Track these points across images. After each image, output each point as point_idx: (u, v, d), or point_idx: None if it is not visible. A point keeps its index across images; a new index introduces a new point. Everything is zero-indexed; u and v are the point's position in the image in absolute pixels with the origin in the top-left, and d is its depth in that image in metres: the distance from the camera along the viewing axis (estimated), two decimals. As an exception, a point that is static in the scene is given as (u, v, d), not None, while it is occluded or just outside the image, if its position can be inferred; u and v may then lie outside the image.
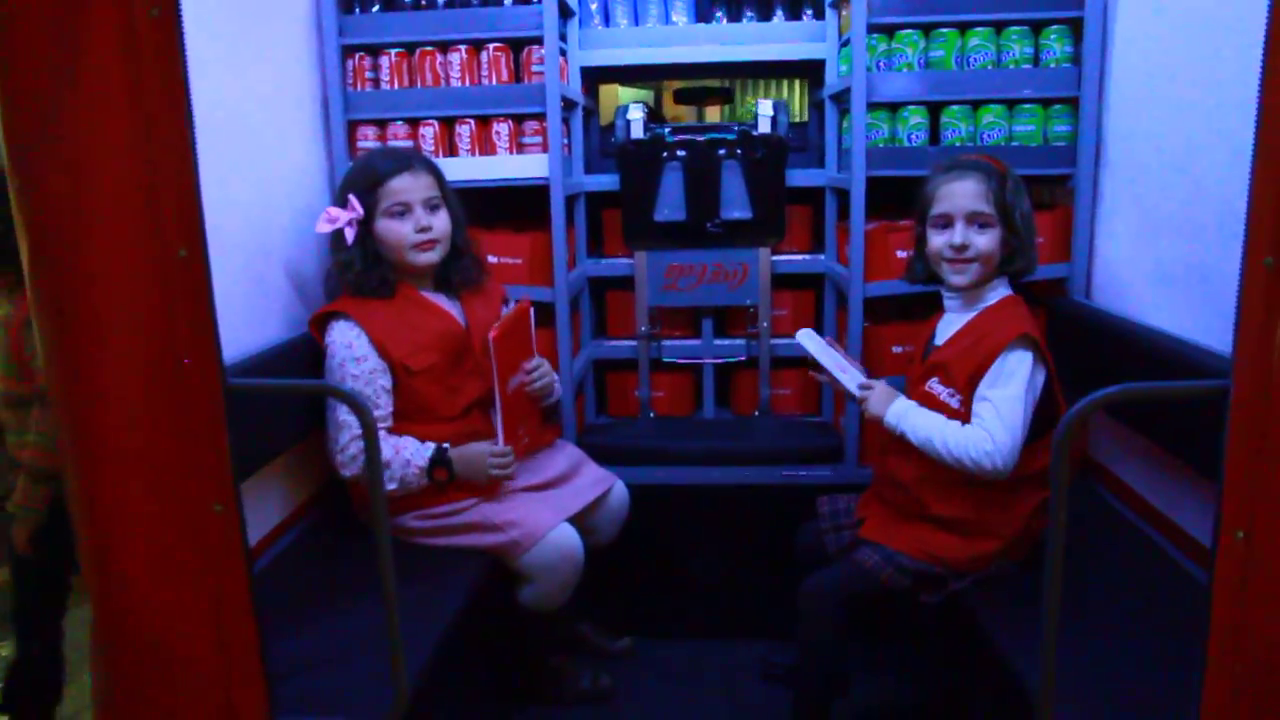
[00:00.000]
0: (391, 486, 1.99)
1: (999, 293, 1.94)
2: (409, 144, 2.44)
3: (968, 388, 1.86)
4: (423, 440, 2.05)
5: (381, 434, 2.00)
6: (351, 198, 2.06)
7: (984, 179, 1.87)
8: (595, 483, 2.28)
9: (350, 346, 2.02)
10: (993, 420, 1.79)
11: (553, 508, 2.12)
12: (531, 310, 2.18)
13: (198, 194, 1.20)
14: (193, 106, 1.18)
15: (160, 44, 1.14)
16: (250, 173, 2.05)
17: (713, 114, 3.40)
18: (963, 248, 1.88)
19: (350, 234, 2.05)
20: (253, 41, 2.08)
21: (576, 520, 2.16)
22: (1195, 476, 1.89)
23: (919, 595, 1.93)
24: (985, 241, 1.87)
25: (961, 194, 1.88)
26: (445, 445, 2.05)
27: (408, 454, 2.01)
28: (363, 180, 2.08)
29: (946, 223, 1.90)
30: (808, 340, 2.10)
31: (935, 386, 1.94)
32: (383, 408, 2.04)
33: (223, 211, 1.91)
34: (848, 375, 2.06)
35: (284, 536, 2.14)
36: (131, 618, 1.33)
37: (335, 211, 2.06)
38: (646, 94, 4.74)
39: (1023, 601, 1.79)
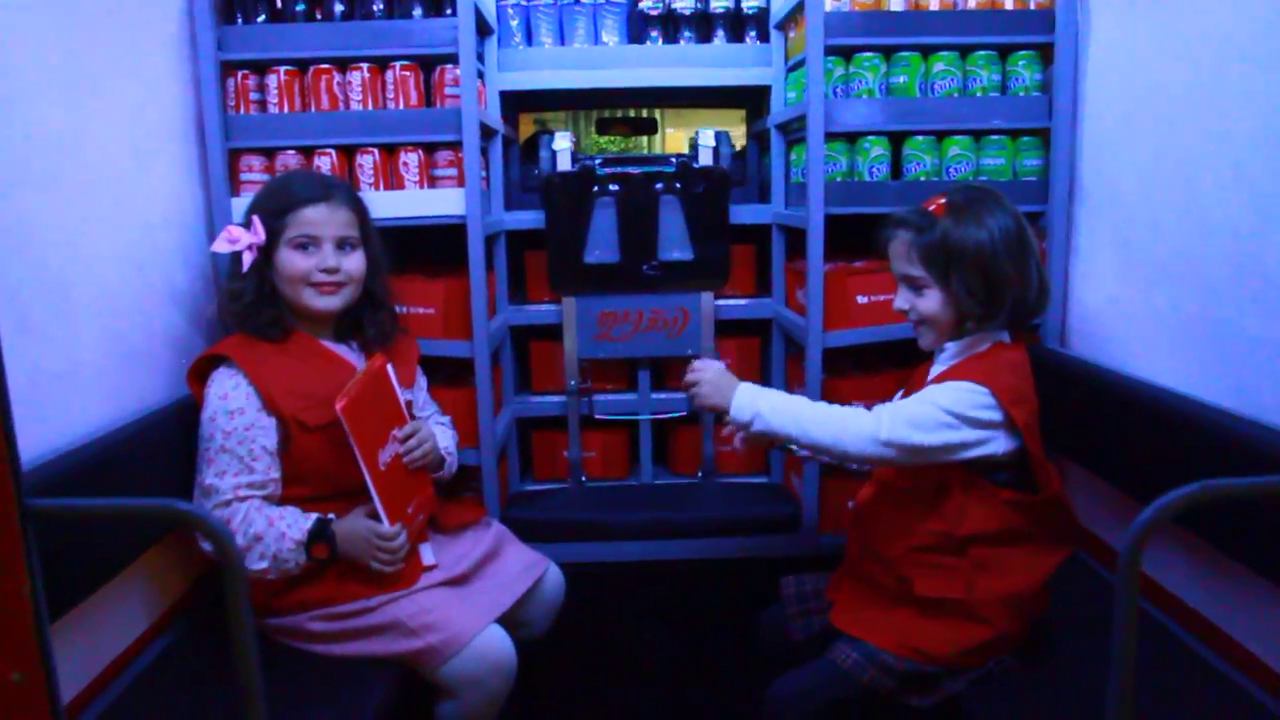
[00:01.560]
0: (261, 565, 1.64)
1: (992, 340, 1.69)
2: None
3: None
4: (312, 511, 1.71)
5: (258, 504, 1.66)
6: (255, 219, 1.73)
7: (910, 236, 1.63)
8: (525, 570, 1.96)
9: (225, 398, 1.67)
10: (900, 413, 1.56)
11: (478, 606, 1.79)
12: (389, 367, 1.84)
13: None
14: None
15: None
16: (106, 219, 1.70)
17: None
18: (904, 313, 1.67)
19: (247, 260, 1.72)
20: (106, 58, 1.73)
21: (505, 614, 1.84)
22: (1248, 575, 1.62)
23: (908, 699, 1.66)
24: (925, 305, 1.64)
25: (893, 255, 1.66)
26: (331, 516, 1.71)
27: (284, 525, 1.66)
28: (272, 202, 1.76)
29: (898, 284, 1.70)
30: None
31: None
32: (259, 472, 1.69)
33: (70, 268, 1.57)
34: None
35: (152, 645, 1.77)
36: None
37: (236, 231, 1.73)
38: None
39: (1032, 704, 1.53)
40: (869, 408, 1.61)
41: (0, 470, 0.89)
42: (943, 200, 1.64)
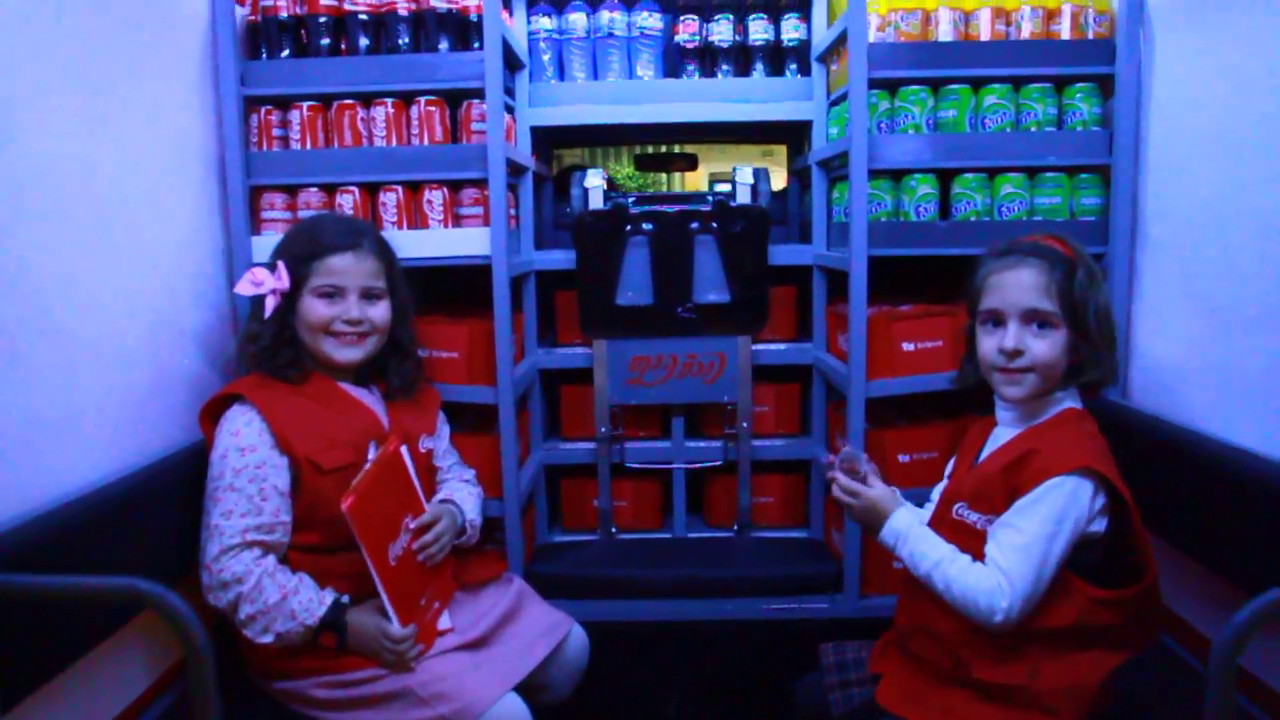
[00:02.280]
0: (265, 639, 1.56)
1: (1063, 404, 1.56)
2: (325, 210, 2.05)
3: (1008, 503, 1.48)
4: (323, 581, 1.62)
5: (270, 568, 1.58)
6: (281, 265, 1.67)
7: (1047, 268, 1.50)
8: (547, 632, 1.85)
9: (237, 434, 1.60)
10: (1011, 557, 1.41)
11: (495, 673, 1.68)
12: (404, 451, 1.75)
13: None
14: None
15: None
16: (116, 257, 1.64)
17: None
18: (1015, 354, 1.50)
19: (270, 305, 1.67)
20: (125, 91, 1.68)
21: (524, 679, 1.72)
22: None
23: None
24: (1044, 347, 1.49)
25: (1016, 286, 1.51)
26: (345, 600, 1.62)
27: (296, 603, 1.58)
28: (299, 248, 1.72)
29: (998, 321, 1.53)
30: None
31: (965, 512, 1.55)
32: (267, 514, 1.61)
33: (70, 309, 1.50)
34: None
35: (148, 710, 1.67)
36: None
37: (261, 274, 1.69)
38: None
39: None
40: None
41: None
42: (1054, 241, 1.55)
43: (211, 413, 1.69)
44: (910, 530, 1.54)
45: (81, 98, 1.54)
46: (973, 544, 1.51)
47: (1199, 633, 1.80)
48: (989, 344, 1.53)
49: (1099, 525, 1.46)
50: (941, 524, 1.59)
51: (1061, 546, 1.41)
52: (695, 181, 4.98)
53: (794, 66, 2.38)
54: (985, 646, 1.50)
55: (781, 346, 2.43)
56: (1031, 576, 1.40)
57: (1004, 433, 1.58)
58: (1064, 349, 1.49)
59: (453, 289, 2.30)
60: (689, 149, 3.46)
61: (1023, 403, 1.54)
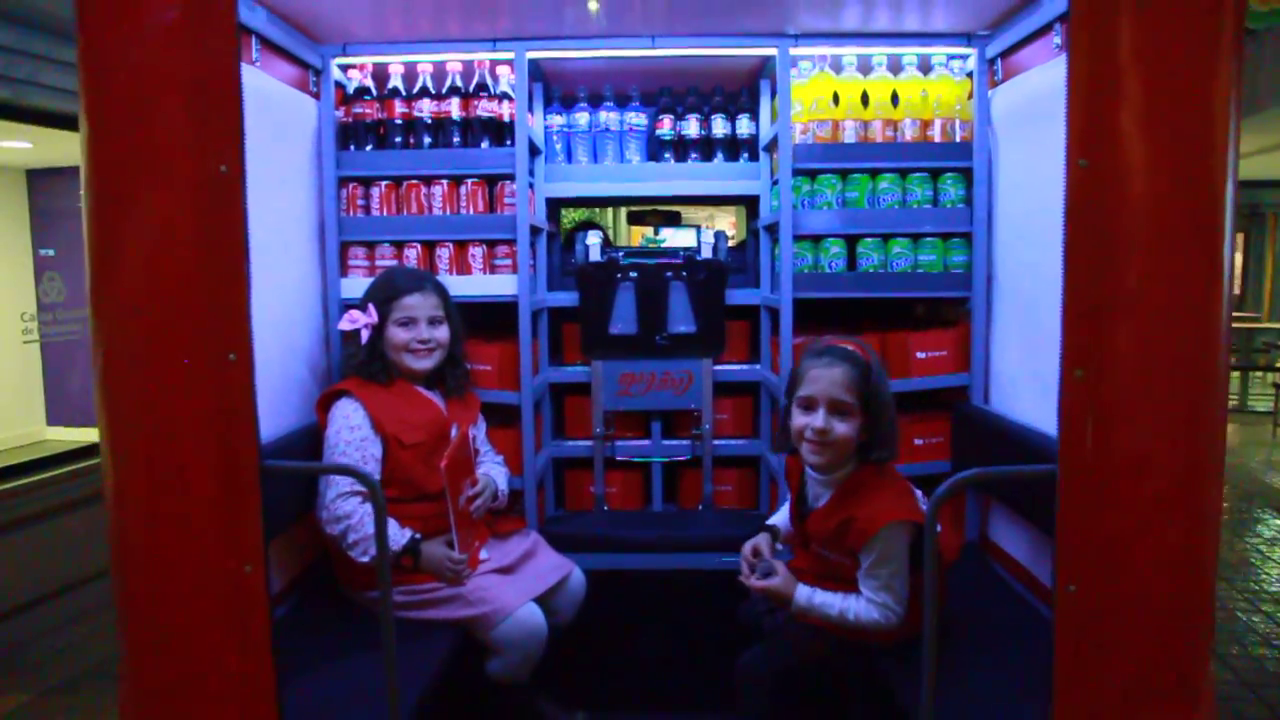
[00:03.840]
0: (364, 559, 2.24)
1: (855, 465, 2.11)
2: (396, 263, 2.77)
3: (853, 554, 2.08)
4: (402, 522, 2.31)
5: (367, 508, 2.25)
6: (371, 306, 2.38)
7: (851, 369, 2.04)
8: (555, 568, 2.55)
9: (347, 418, 2.31)
10: (884, 594, 2.02)
11: (519, 589, 2.38)
12: (469, 433, 2.50)
13: (247, 309, 1.50)
14: (249, 244, 1.48)
15: (228, 194, 1.46)
16: (267, 294, 2.31)
17: (669, 233, 3.77)
18: (824, 432, 2.04)
19: (365, 335, 2.37)
20: (266, 170, 2.40)
21: (539, 602, 2.42)
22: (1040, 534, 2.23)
23: (838, 666, 2.20)
24: (844, 429, 2.03)
25: (829, 381, 2.04)
26: (418, 536, 2.32)
27: (389, 540, 2.27)
28: (382, 293, 2.43)
29: (810, 405, 2.06)
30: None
31: (826, 554, 2.17)
32: (370, 470, 2.30)
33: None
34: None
35: (277, 609, 2.36)
36: (163, 663, 1.57)
37: (355, 314, 2.40)
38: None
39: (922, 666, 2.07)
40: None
41: (249, 446, 1.52)
42: (852, 346, 2.10)
43: (324, 404, 2.41)
44: (812, 596, 2.12)
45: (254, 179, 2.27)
46: (840, 569, 2.14)
47: (1015, 560, 2.53)
48: (801, 421, 2.08)
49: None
50: (811, 556, 2.22)
51: (905, 564, 2.04)
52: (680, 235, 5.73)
53: (746, 154, 3.10)
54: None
55: (737, 367, 3.12)
56: (902, 594, 2.03)
57: (816, 483, 2.17)
58: (856, 430, 2.05)
59: (488, 319, 2.94)
60: (672, 208, 4.19)
61: (827, 469, 2.12)
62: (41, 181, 5.52)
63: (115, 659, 3.22)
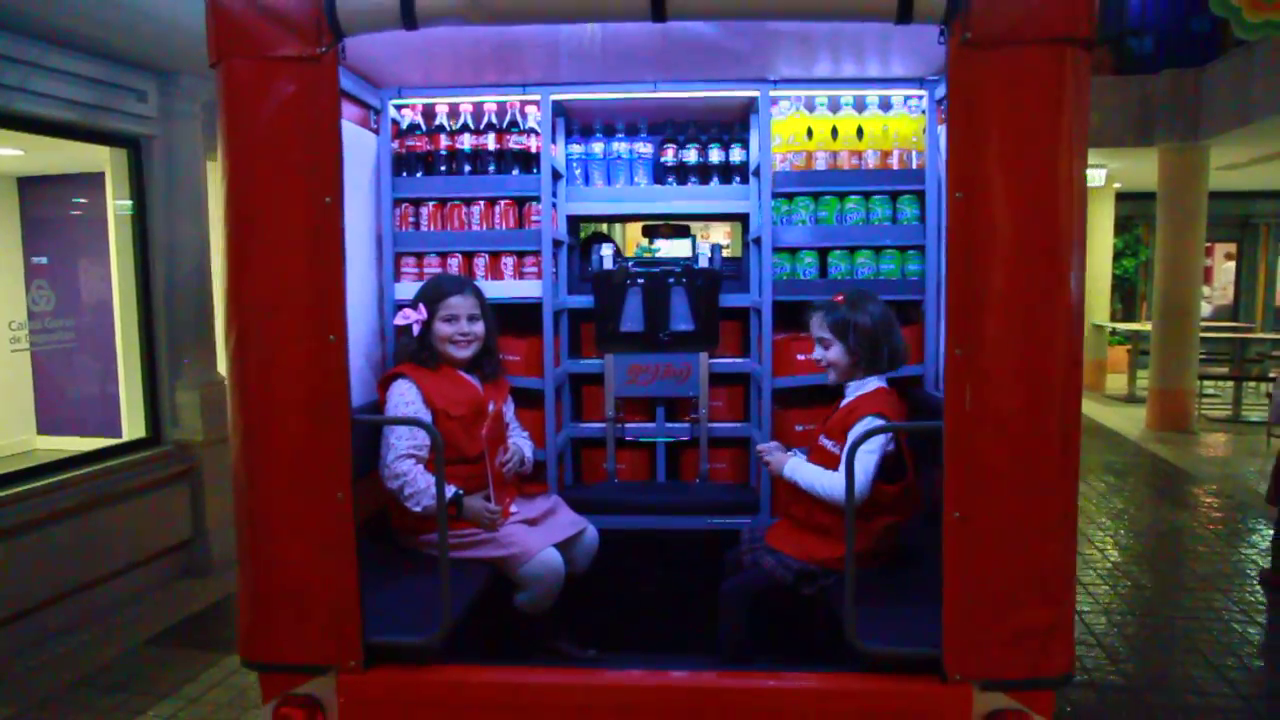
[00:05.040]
0: (416, 509, 2.77)
1: (871, 384, 2.79)
2: (441, 270, 3.32)
3: (843, 442, 2.66)
4: (449, 480, 2.85)
5: (420, 469, 2.79)
6: (421, 305, 2.93)
7: (825, 314, 2.79)
8: (573, 523, 3.08)
9: (403, 394, 2.85)
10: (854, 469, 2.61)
11: (542, 536, 2.91)
12: (501, 410, 3.04)
13: (344, 303, 2.04)
14: (346, 256, 2.02)
15: (331, 222, 2.00)
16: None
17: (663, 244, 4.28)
18: (819, 359, 2.81)
19: (416, 328, 2.91)
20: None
21: (559, 545, 2.94)
22: None
23: (800, 589, 2.71)
24: (830, 355, 2.79)
25: (815, 324, 2.82)
26: (461, 491, 2.85)
27: (434, 490, 2.81)
28: (431, 294, 2.97)
29: (819, 342, 2.84)
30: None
31: (825, 441, 2.79)
32: (417, 440, 2.80)
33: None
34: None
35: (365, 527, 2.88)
36: (274, 565, 2.11)
37: (409, 311, 2.94)
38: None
39: (867, 592, 2.57)
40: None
41: (343, 406, 2.06)
42: (841, 296, 2.78)
43: (384, 383, 2.94)
44: (797, 467, 2.75)
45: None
46: (826, 460, 2.73)
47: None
48: (815, 354, 2.80)
49: (890, 448, 2.68)
50: (817, 451, 2.80)
51: (876, 459, 2.61)
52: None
53: (738, 178, 3.61)
54: (826, 510, 2.71)
55: (730, 360, 3.62)
56: (864, 474, 2.57)
57: (846, 403, 2.80)
58: (841, 354, 2.73)
59: (518, 318, 3.45)
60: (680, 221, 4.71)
61: (840, 381, 2.79)
62: (33, 189, 5.53)
63: (101, 673, 3.81)
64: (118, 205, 5.19)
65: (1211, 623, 4.63)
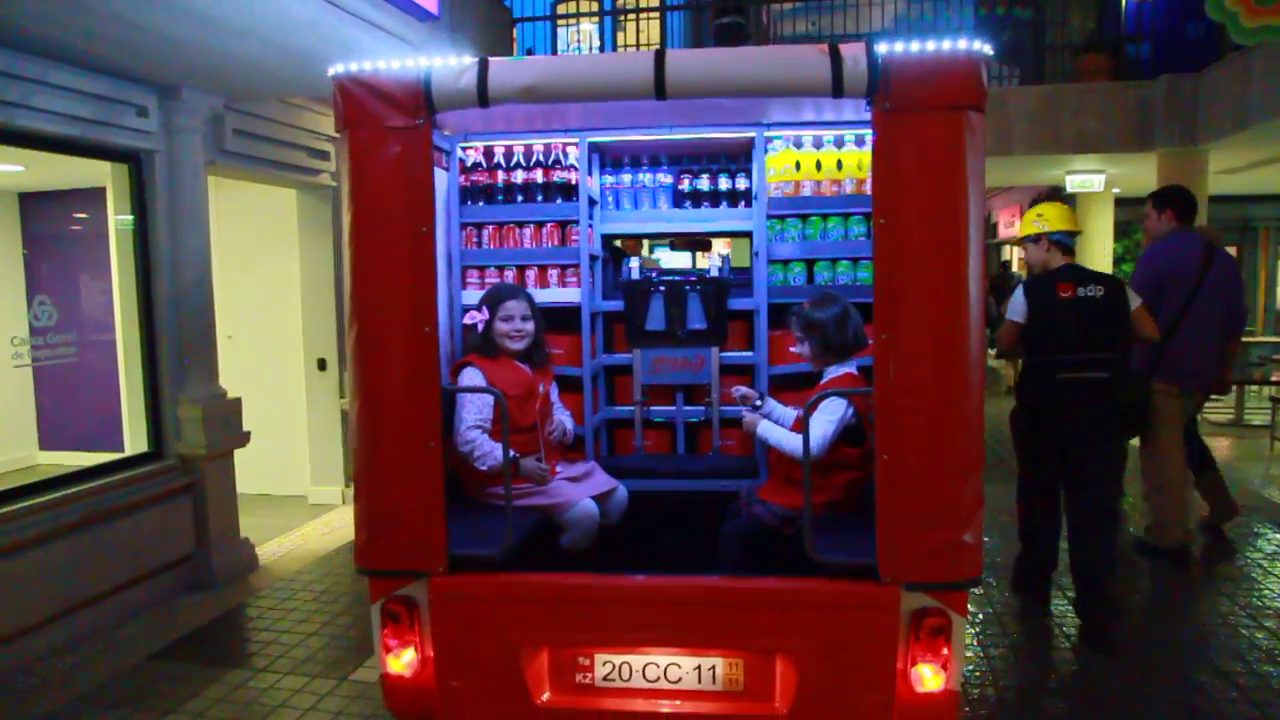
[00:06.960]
0: (484, 467, 3.52)
1: (841, 370, 3.50)
2: (499, 280, 4.09)
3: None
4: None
5: (485, 436, 3.55)
6: (484, 307, 3.70)
7: (793, 316, 3.53)
8: (607, 482, 3.82)
9: (471, 378, 3.61)
10: (815, 431, 3.29)
11: (582, 489, 3.67)
12: (549, 391, 3.81)
13: (435, 304, 2.80)
14: (437, 268, 2.79)
15: (426, 245, 2.77)
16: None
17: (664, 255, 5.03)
18: (799, 351, 3.54)
19: (479, 327, 3.68)
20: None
21: (595, 498, 3.68)
22: None
23: (783, 531, 3.43)
24: (802, 349, 3.52)
25: (792, 325, 3.55)
26: (516, 455, 3.60)
27: (498, 453, 3.56)
28: (492, 299, 3.74)
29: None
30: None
31: (802, 413, 3.48)
32: (484, 414, 3.56)
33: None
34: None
35: None
36: (384, 495, 2.88)
37: (474, 313, 3.72)
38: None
39: (829, 526, 3.27)
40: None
41: (434, 379, 2.82)
42: (807, 301, 3.49)
43: (455, 370, 3.71)
44: (769, 430, 3.49)
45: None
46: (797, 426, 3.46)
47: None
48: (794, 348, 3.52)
49: (852, 420, 3.40)
50: (796, 421, 3.52)
51: (836, 426, 3.34)
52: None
53: (744, 201, 4.32)
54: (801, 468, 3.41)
55: (738, 354, 4.31)
56: (822, 438, 3.29)
57: (823, 382, 3.51)
58: (809, 347, 3.45)
59: (561, 319, 4.17)
60: (700, 236, 5.45)
61: (818, 368, 3.49)
62: (34, 205, 5.51)
63: (103, 689, 4.03)
64: (119, 220, 5.19)
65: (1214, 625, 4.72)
